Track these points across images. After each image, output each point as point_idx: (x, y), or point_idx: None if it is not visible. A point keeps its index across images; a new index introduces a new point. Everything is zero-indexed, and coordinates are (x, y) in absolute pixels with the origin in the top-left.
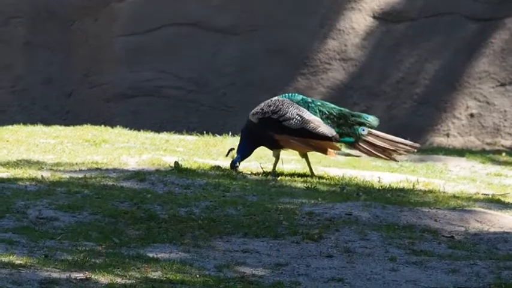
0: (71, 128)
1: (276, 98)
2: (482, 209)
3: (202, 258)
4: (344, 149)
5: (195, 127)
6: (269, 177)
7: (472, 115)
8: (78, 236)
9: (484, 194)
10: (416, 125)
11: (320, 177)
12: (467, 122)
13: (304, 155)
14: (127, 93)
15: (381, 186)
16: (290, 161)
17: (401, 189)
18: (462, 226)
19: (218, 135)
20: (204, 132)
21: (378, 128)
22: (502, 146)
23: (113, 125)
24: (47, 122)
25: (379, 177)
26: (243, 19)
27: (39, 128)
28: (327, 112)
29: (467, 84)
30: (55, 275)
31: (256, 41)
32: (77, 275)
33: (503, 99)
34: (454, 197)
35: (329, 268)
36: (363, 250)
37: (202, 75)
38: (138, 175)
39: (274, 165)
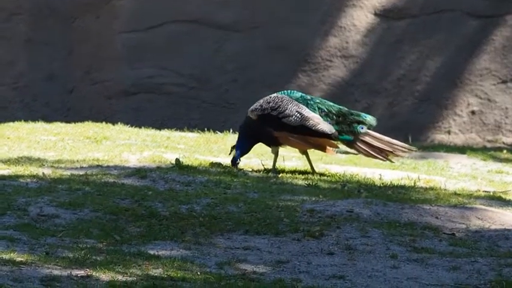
0: (72, 124)
1: (275, 94)
2: (483, 206)
3: (203, 256)
4: (342, 148)
5: (196, 124)
6: (270, 174)
7: (473, 112)
8: (79, 233)
9: (485, 191)
10: (418, 122)
11: (321, 174)
12: (468, 119)
13: (304, 152)
14: (128, 90)
15: (382, 184)
16: (291, 158)
17: (403, 187)
18: (463, 223)
19: (219, 132)
20: (205, 129)
21: (378, 126)
22: (503, 143)
23: (114, 122)
24: (49, 119)
25: (380, 175)
26: (245, 16)
27: (40, 125)
28: (326, 110)
29: (468, 81)
30: (56, 272)
31: (258, 38)
32: (78, 272)
33: (505, 97)
34: (455, 194)
35: (330, 265)
36: (364, 247)
37: (204, 72)
38: (139, 172)
39: (274, 162)
